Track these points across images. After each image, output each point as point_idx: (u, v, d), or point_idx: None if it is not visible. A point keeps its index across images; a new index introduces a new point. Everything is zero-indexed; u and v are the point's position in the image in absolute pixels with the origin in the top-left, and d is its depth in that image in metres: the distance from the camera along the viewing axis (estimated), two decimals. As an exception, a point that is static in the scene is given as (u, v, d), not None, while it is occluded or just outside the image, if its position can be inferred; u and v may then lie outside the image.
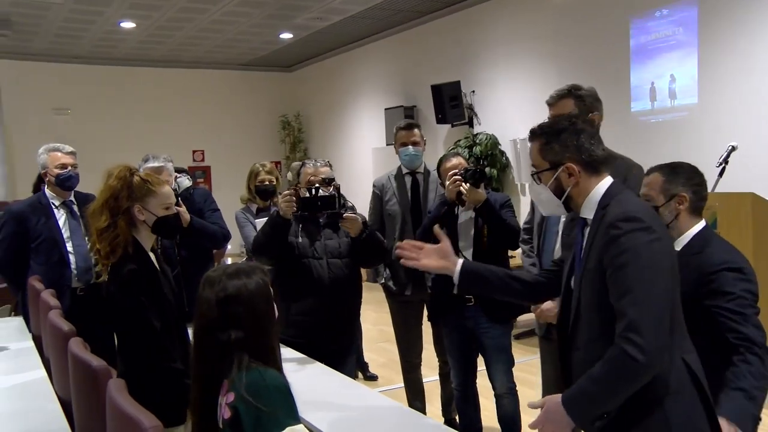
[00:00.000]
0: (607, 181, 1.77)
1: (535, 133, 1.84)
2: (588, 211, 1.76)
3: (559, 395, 1.66)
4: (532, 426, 1.71)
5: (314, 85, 12.08)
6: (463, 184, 3.03)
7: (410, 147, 3.65)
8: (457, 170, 3.12)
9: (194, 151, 11.72)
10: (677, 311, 1.65)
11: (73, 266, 3.55)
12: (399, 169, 3.77)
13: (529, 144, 1.88)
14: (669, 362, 1.60)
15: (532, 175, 1.86)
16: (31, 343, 3.25)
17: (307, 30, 9.50)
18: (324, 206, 2.94)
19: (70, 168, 3.61)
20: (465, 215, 3.16)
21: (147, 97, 11.21)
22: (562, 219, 2.60)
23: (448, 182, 3.09)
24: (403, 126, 3.73)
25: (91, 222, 2.34)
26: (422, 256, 2.02)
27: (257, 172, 3.95)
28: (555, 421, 1.65)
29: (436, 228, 2.12)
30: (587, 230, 1.75)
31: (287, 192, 2.99)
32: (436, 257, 2.01)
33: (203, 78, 11.72)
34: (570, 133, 1.76)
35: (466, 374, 3.26)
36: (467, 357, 3.23)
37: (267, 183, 3.93)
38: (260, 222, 3.46)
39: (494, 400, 3.22)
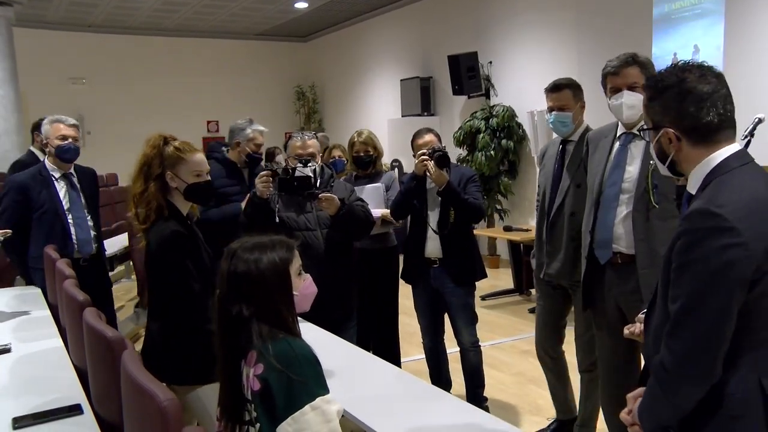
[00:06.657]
0: (723, 152, 1.49)
1: (645, 85, 1.62)
2: (692, 186, 1.52)
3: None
4: (628, 423, 1.59)
5: (329, 56, 11.95)
6: (429, 163, 3.19)
7: (554, 112, 3.12)
8: (426, 149, 3.26)
9: (208, 122, 11.70)
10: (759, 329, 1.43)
11: (74, 238, 3.59)
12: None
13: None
14: (742, 383, 1.41)
15: (644, 129, 1.64)
16: (48, 312, 3.28)
17: (323, -1, 9.38)
18: (300, 187, 2.97)
19: (70, 140, 3.60)
20: (432, 186, 3.33)
21: (161, 67, 11.16)
22: (622, 197, 2.50)
23: (415, 160, 3.26)
24: (549, 88, 3.19)
25: (130, 189, 2.45)
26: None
27: (353, 143, 3.89)
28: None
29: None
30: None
31: (264, 173, 3.03)
32: None
33: (218, 48, 11.64)
34: (674, 93, 1.49)
35: (435, 332, 3.57)
36: (435, 316, 3.53)
37: (362, 154, 3.87)
38: (358, 189, 3.55)
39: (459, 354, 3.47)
